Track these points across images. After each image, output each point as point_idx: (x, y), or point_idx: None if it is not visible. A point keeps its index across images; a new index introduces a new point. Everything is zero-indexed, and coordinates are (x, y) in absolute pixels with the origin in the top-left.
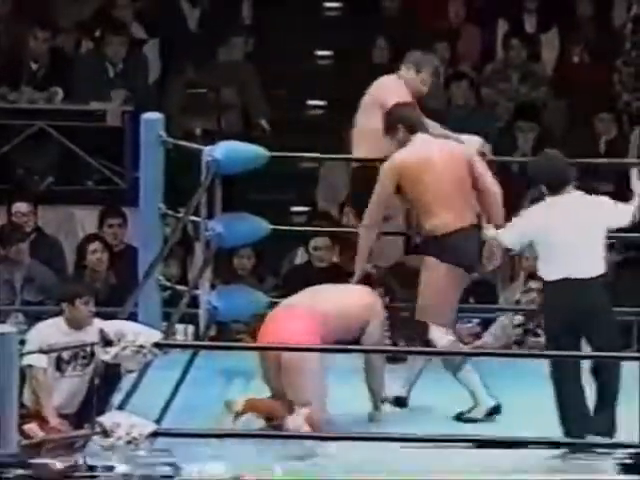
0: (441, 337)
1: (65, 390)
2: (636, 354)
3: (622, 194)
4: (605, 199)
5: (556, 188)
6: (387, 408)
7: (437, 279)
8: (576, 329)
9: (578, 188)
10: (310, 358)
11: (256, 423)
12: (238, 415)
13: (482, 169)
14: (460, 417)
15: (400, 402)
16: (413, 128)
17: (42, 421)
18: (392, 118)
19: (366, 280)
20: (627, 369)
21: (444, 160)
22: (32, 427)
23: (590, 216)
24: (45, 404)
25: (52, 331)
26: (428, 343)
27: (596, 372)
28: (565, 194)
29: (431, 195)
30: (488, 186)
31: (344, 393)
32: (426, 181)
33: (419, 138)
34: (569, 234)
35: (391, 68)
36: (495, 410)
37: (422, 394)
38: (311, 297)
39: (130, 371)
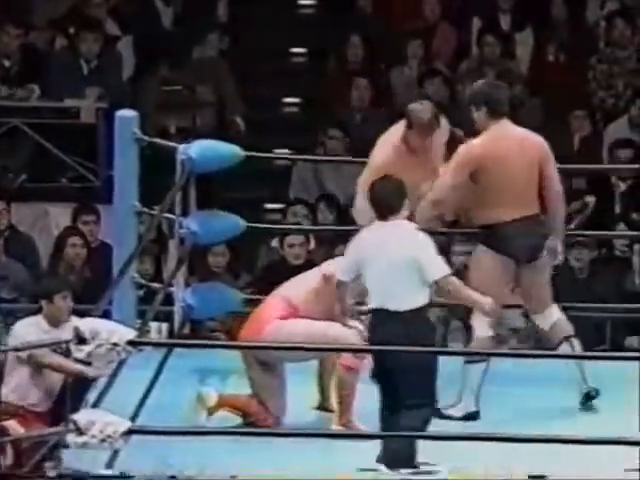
0: (482, 327)
1: (42, 387)
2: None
3: (595, 191)
4: (427, 247)
5: None
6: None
7: (487, 269)
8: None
9: None
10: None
11: (232, 420)
12: (211, 411)
13: (553, 170)
14: (438, 412)
15: (473, 416)
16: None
17: (22, 418)
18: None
19: None
20: (628, 368)
21: (520, 153)
22: (11, 424)
23: (405, 249)
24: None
25: (32, 330)
26: (469, 329)
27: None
28: (390, 221)
29: (500, 185)
30: (557, 189)
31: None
32: (499, 172)
33: (499, 126)
34: (383, 265)
35: (366, 66)
36: (473, 416)
37: None
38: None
39: (94, 380)
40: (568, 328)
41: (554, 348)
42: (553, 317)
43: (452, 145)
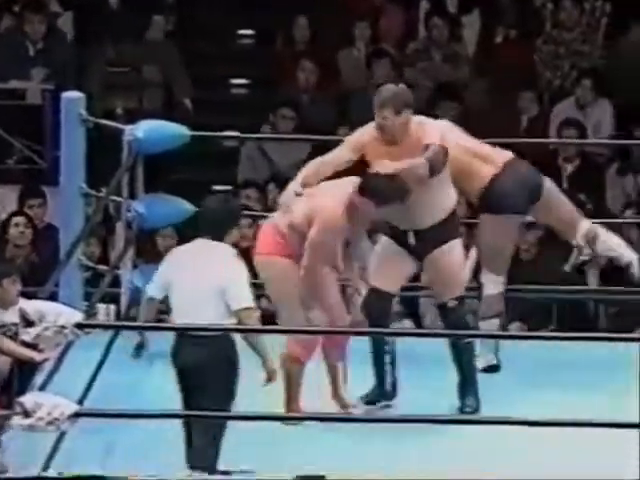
0: (490, 285)
1: None
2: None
3: (543, 170)
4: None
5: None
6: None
7: (491, 231)
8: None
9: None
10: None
11: None
12: None
13: None
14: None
15: (494, 369)
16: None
17: None
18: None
19: None
20: (631, 350)
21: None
22: None
23: (215, 276)
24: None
25: None
26: (479, 287)
27: None
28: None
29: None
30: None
31: None
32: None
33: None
34: (191, 288)
35: (313, 48)
36: (494, 368)
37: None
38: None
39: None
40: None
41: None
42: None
43: None
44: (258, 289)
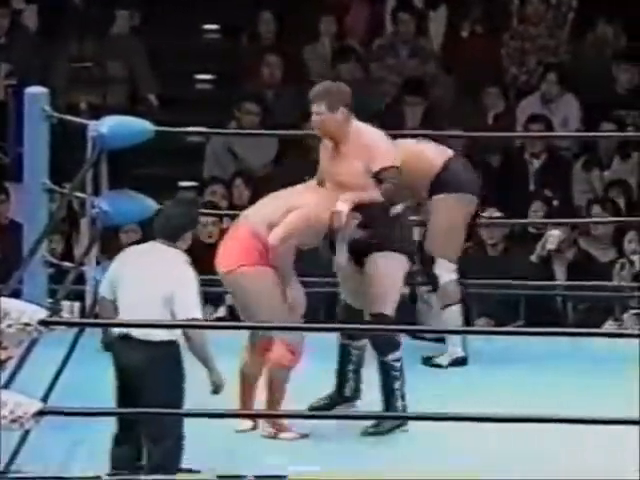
0: (445, 274)
1: None
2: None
3: (509, 166)
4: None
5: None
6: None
7: (446, 211)
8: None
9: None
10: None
11: None
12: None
13: None
14: (427, 361)
15: (460, 362)
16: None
17: None
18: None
19: None
20: (628, 346)
21: None
22: None
23: (163, 282)
24: None
25: None
26: (434, 277)
27: None
28: (162, 245)
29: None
30: None
31: None
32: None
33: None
34: (138, 292)
35: (278, 43)
36: (460, 362)
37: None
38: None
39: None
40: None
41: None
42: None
43: None
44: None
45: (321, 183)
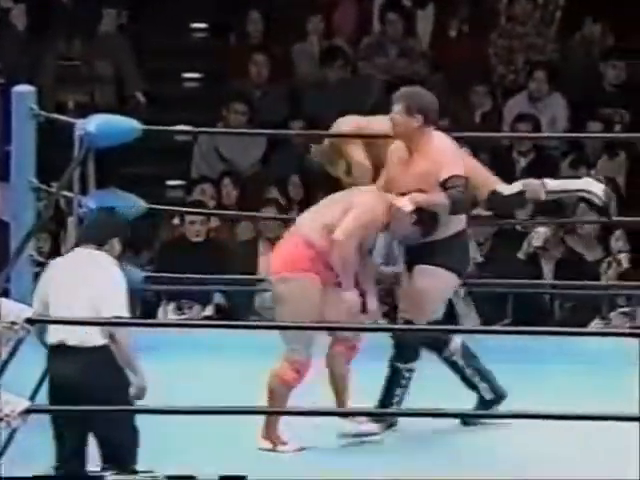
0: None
1: None
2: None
3: (497, 164)
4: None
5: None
6: None
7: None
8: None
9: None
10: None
11: None
12: None
13: None
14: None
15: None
16: None
17: None
18: None
19: None
20: (618, 345)
21: None
22: None
23: (92, 286)
24: None
25: None
26: None
27: None
28: (89, 249)
29: None
30: None
31: None
32: None
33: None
34: (68, 298)
35: (266, 42)
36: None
37: None
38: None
39: None
40: None
41: None
42: None
43: None
44: None
45: (383, 188)
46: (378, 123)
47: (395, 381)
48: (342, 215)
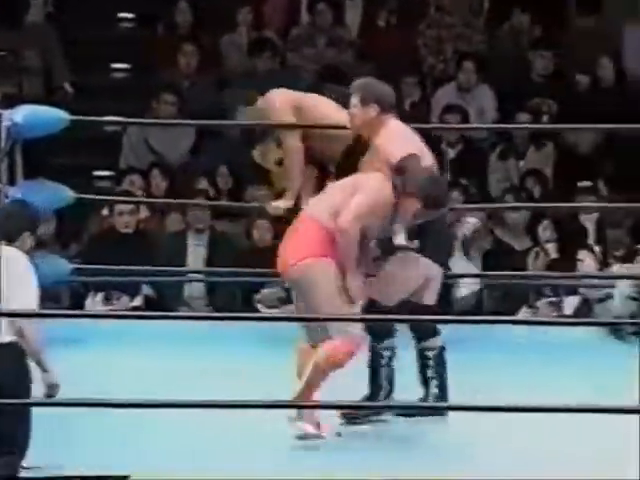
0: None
1: None
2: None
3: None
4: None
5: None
6: None
7: None
8: None
9: None
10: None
11: None
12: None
13: None
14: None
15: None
16: None
17: None
18: None
19: None
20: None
21: None
22: None
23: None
24: None
25: None
26: None
27: None
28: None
29: None
30: None
31: None
32: None
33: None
34: None
35: (194, 32)
36: None
37: None
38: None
39: None
40: None
41: None
42: None
43: None
44: None
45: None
46: (311, 97)
47: (376, 362)
48: (348, 199)
